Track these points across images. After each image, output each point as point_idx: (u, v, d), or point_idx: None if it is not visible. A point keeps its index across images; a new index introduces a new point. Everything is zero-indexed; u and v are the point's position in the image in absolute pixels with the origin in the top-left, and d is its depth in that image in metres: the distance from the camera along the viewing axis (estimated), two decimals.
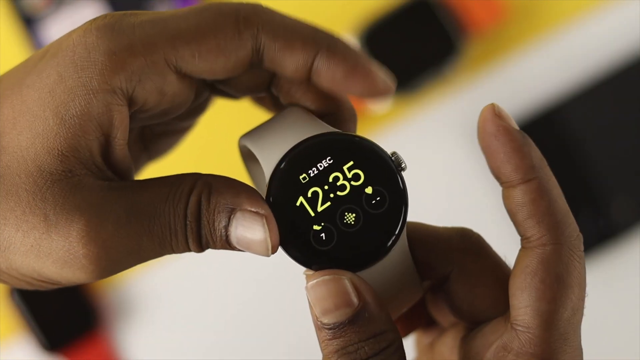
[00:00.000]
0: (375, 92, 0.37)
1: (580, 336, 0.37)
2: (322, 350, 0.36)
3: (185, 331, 0.80)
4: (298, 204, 0.36)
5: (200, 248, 0.36)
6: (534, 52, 0.81)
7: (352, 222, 0.36)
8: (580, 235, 0.37)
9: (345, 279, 0.36)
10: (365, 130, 0.79)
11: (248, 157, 0.39)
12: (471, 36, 0.80)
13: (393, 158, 0.37)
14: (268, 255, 0.36)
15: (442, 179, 0.81)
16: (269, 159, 0.37)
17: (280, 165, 0.36)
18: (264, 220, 0.35)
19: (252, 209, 0.35)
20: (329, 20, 0.80)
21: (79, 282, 0.36)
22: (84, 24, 0.35)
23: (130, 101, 0.35)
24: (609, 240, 0.79)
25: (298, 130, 0.37)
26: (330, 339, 0.35)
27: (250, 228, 0.35)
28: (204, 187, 0.35)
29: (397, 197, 0.36)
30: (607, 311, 0.79)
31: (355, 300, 0.35)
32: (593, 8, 0.81)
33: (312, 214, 0.36)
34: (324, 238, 0.36)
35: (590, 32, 0.81)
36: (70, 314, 0.78)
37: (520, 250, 0.37)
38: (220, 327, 0.80)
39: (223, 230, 0.35)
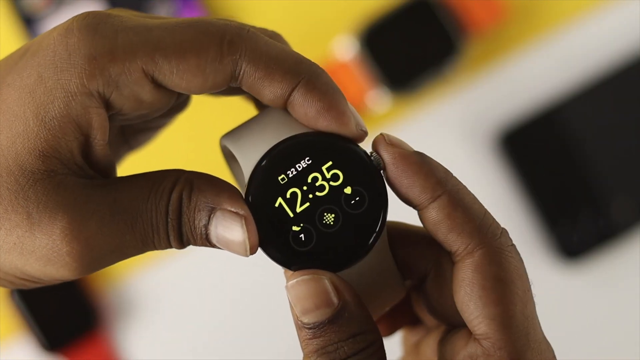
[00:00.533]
0: (346, 134, 0.37)
1: (540, 329, 0.36)
2: (303, 349, 0.36)
3: (185, 331, 0.80)
4: (277, 205, 0.36)
5: (182, 245, 0.36)
6: (534, 52, 0.81)
7: (332, 223, 0.36)
8: (505, 231, 0.37)
9: (325, 279, 0.36)
10: None
11: (229, 157, 0.40)
12: (471, 36, 0.80)
13: (372, 157, 0.37)
14: (247, 256, 0.36)
15: None
16: (248, 160, 0.37)
17: (259, 166, 0.36)
18: (243, 221, 0.35)
19: (232, 209, 0.35)
20: (329, 21, 0.80)
21: (62, 280, 0.36)
22: (67, 21, 0.35)
23: (107, 105, 0.35)
24: (609, 240, 0.79)
25: (277, 131, 0.37)
26: (310, 339, 0.36)
27: (230, 228, 0.35)
28: (186, 184, 0.36)
29: (377, 196, 0.36)
30: (607, 311, 0.79)
31: (335, 300, 0.35)
32: (593, 8, 0.81)
33: (291, 215, 0.36)
34: (303, 239, 0.36)
35: (590, 32, 0.81)
36: (70, 314, 0.78)
37: (453, 267, 0.36)
38: (220, 327, 0.80)
39: (203, 229, 0.36)
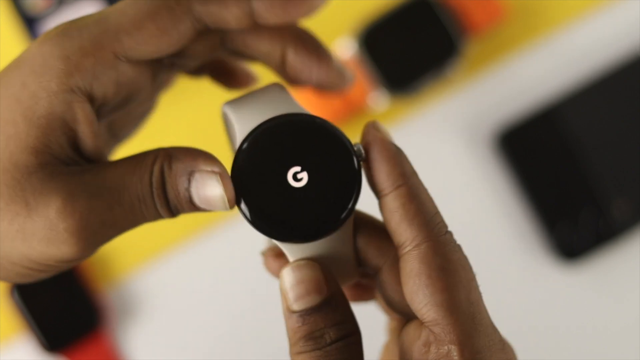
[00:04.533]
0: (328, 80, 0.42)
1: (487, 316, 0.39)
2: (290, 339, 0.39)
3: (187, 331, 0.80)
4: (259, 171, 0.39)
5: (171, 213, 0.40)
6: (534, 52, 0.81)
7: (308, 196, 0.39)
8: (450, 232, 0.39)
9: (319, 268, 0.39)
10: None
11: (228, 123, 0.44)
12: (471, 36, 0.80)
13: (355, 149, 0.40)
14: (227, 209, 0.39)
15: (442, 179, 0.81)
16: (244, 129, 0.40)
17: (250, 134, 0.40)
18: (219, 177, 0.39)
19: (208, 168, 0.39)
20: (329, 20, 0.80)
21: (65, 260, 0.39)
22: (40, 36, 0.40)
23: (91, 97, 0.39)
24: (609, 241, 0.79)
25: (274, 106, 0.41)
26: (299, 326, 0.38)
27: (208, 185, 0.39)
28: (165, 157, 0.39)
29: (352, 178, 0.39)
30: (607, 311, 0.79)
31: (325, 287, 0.39)
32: (593, 8, 0.81)
33: (270, 183, 0.39)
34: (279, 206, 0.39)
35: (590, 32, 0.81)
36: (71, 314, 0.78)
37: (400, 260, 0.39)
38: (221, 327, 0.80)
39: (186, 192, 0.39)
